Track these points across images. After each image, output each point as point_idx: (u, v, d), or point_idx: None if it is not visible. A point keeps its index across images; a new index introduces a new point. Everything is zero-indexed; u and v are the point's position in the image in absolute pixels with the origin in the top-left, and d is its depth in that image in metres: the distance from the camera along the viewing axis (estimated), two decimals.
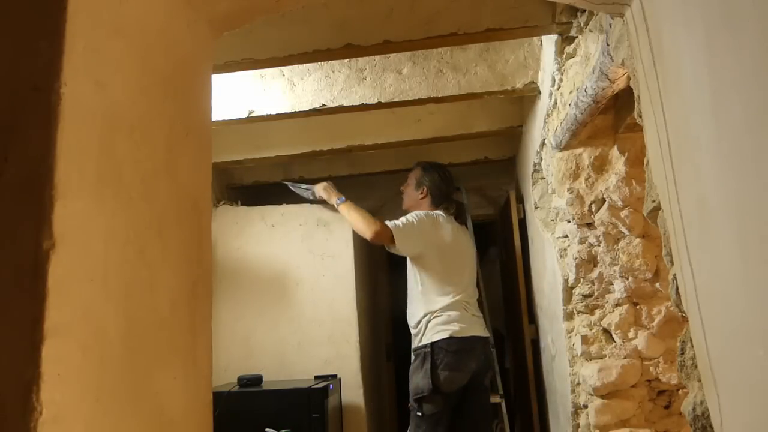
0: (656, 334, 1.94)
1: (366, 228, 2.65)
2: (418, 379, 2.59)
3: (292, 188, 3.13)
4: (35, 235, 0.65)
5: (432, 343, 2.60)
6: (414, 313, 2.77)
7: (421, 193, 2.90)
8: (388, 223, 2.64)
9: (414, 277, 2.79)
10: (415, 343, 2.73)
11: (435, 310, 2.66)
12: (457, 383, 2.56)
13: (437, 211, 2.85)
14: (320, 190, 2.94)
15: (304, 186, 3.08)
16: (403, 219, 2.71)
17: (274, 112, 2.47)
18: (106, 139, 0.77)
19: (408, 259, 2.82)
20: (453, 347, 2.58)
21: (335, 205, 2.85)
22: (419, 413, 2.56)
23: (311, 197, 3.04)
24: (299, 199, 3.35)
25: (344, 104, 2.42)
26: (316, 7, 1.88)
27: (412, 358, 2.71)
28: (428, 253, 2.74)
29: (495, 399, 3.09)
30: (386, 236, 2.62)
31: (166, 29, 0.97)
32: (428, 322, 2.67)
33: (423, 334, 2.68)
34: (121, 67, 0.82)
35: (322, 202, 2.99)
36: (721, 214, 0.79)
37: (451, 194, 3.00)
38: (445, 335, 2.59)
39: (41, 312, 0.63)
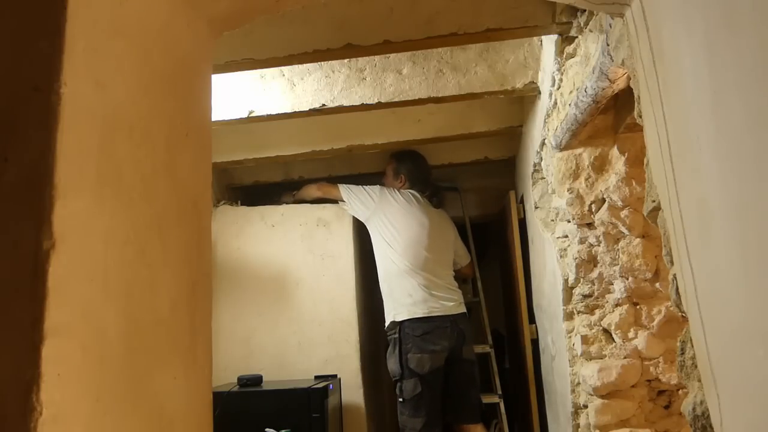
0: (656, 334, 1.94)
1: (313, 188, 3.12)
2: (392, 364, 2.68)
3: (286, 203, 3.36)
4: (35, 235, 0.65)
5: (399, 326, 2.68)
6: (382, 292, 2.87)
7: (400, 181, 3.06)
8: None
9: (375, 251, 2.92)
10: (385, 324, 2.82)
11: (397, 290, 2.75)
12: (432, 364, 2.61)
13: (406, 190, 2.99)
14: (283, 199, 3.30)
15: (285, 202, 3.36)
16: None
17: (274, 112, 2.47)
18: (106, 139, 0.77)
19: (371, 235, 2.97)
20: (418, 331, 2.65)
21: (292, 198, 3.23)
22: (401, 399, 2.63)
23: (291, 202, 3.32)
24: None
25: (344, 104, 2.41)
26: (316, 7, 1.88)
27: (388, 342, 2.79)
28: (378, 221, 2.88)
29: (494, 399, 3.09)
30: (330, 188, 3.05)
31: (166, 29, 0.97)
32: (390, 301, 2.76)
33: (387, 315, 2.77)
34: (122, 67, 0.82)
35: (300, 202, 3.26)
36: (721, 214, 0.79)
37: (428, 178, 3.15)
38: (406, 316, 2.67)
39: (41, 312, 0.63)
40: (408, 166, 3.08)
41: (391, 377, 2.71)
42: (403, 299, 2.73)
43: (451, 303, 2.78)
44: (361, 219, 3.04)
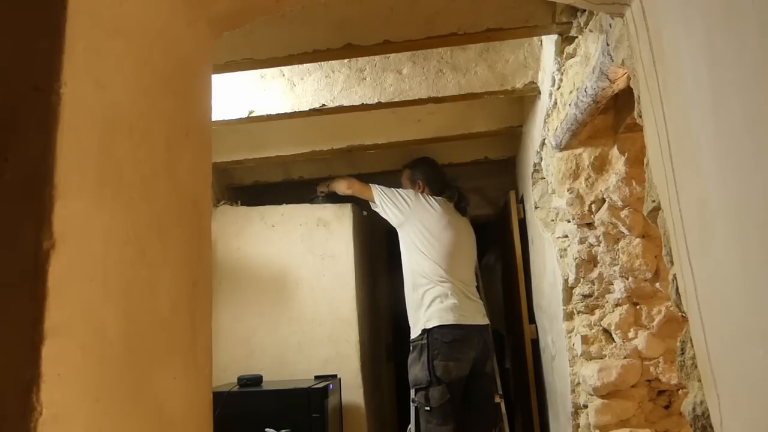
0: (656, 334, 1.94)
1: (343, 182, 3.03)
2: (417, 371, 2.59)
3: (312, 203, 3.30)
4: (35, 235, 0.65)
5: (427, 333, 2.61)
6: (408, 299, 2.80)
7: (418, 187, 2.99)
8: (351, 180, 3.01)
9: (405, 258, 2.84)
10: (412, 333, 2.74)
11: (428, 296, 2.68)
12: (457, 373, 2.56)
13: (438, 197, 2.92)
14: (319, 188, 3.23)
15: (315, 196, 3.30)
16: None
17: (274, 112, 2.47)
18: (106, 139, 0.77)
19: (400, 239, 2.89)
20: (448, 337, 2.58)
21: (327, 189, 3.16)
22: (427, 408, 2.54)
23: (322, 200, 3.26)
24: (299, 199, 3.36)
25: (344, 104, 2.42)
26: (316, 7, 1.88)
27: (411, 348, 2.71)
28: (412, 228, 2.80)
29: (495, 399, 3.08)
30: (362, 187, 2.95)
31: (166, 29, 0.97)
32: (421, 308, 2.68)
33: (416, 322, 2.70)
34: (121, 67, 0.82)
35: (333, 197, 3.20)
36: (721, 214, 0.79)
37: (445, 179, 3.08)
38: (437, 323, 2.61)
39: (41, 312, 0.63)
40: (422, 171, 3.02)
41: (415, 385, 2.61)
42: (435, 306, 2.66)
43: (478, 313, 2.74)
44: (392, 223, 2.92)
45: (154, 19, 0.93)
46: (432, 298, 2.68)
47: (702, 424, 0.95)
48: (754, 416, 0.76)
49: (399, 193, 2.90)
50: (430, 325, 2.62)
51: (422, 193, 2.95)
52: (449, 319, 2.61)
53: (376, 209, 2.95)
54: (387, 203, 2.87)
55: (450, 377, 2.54)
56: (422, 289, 2.72)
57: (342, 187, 3.05)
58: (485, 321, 2.75)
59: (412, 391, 2.65)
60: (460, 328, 2.61)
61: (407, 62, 2.39)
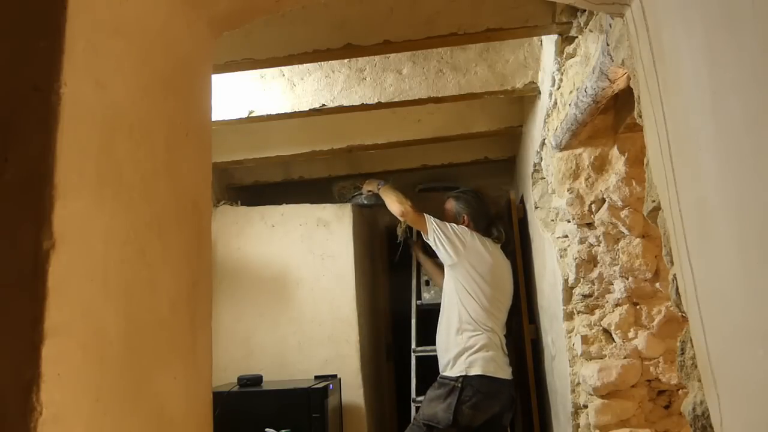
0: (656, 334, 1.94)
1: (398, 206, 2.86)
2: (438, 409, 2.53)
3: (351, 201, 3.25)
4: (35, 235, 0.65)
5: (465, 378, 2.55)
6: (447, 338, 2.70)
7: (463, 221, 2.88)
8: (407, 205, 2.84)
9: (451, 297, 2.73)
10: (444, 370, 2.66)
11: (472, 342, 2.60)
12: (477, 422, 2.53)
13: (486, 238, 2.82)
14: (366, 186, 3.16)
15: (358, 194, 3.24)
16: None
17: (274, 112, 2.47)
18: (106, 139, 0.77)
19: (446, 275, 2.79)
20: (484, 387, 2.55)
21: (377, 191, 3.05)
22: None
23: (365, 201, 3.19)
24: (299, 199, 3.35)
25: (344, 104, 2.41)
26: (316, 7, 1.88)
27: (436, 384, 2.64)
28: (463, 269, 2.70)
29: None
30: (417, 217, 2.80)
31: (166, 29, 0.97)
32: (464, 352, 2.60)
33: (454, 363, 2.61)
34: (121, 67, 0.82)
35: (376, 199, 3.13)
36: (721, 214, 0.79)
37: (493, 218, 2.98)
38: (480, 372, 2.55)
39: (41, 312, 0.63)
40: (469, 204, 2.91)
41: (428, 421, 2.55)
42: (480, 354, 2.60)
43: (509, 368, 2.70)
44: (442, 260, 2.82)
45: (154, 19, 0.93)
46: (479, 345, 2.61)
47: (702, 424, 0.95)
48: (754, 416, 0.76)
49: (454, 232, 2.76)
50: (472, 372, 2.56)
51: (466, 225, 2.84)
52: (489, 371, 2.57)
53: (427, 241, 2.84)
54: (442, 240, 2.74)
55: (469, 424, 2.52)
56: (468, 334, 2.64)
57: (394, 208, 2.91)
58: (512, 376, 2.72)
59: (420, 419, 2.61)
60: (496, 382, 2.58)
61: (407, 62, 2.39)
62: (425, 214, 2.81)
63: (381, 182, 3.07)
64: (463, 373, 2.57)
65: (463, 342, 2.64)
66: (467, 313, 2.67)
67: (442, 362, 2.71)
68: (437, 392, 2.60)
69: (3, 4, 0.71)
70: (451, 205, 2.95)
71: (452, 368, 2.62)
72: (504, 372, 2.63)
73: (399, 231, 3.27)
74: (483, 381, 2.55)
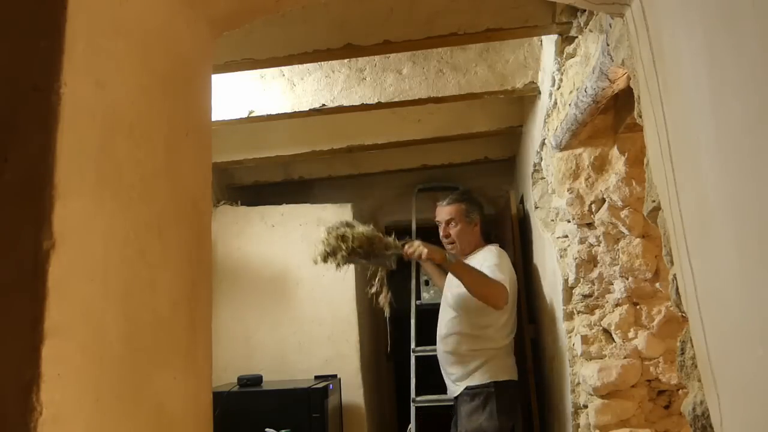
0: (656, 334, 1.94)
1: (495, 289, 2.34)
2: (483, 420, 2.44)
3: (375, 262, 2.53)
4: (35, 235, 0.65)
5: (495, 383, 2.49)
6: (467, 344, 2.57)
7: (474, 224, 2.74)
8: (498, 280, 2.36)
9: (472, 303, 2.50)
10: (470, 380, 2.53)
11: (501, 347, 2.57)
12: (507, 428, 2.51)
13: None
14: (410, 248, 2.36)
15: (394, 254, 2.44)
16: (494, 267, 2.43)
17: (274, 112, 2.47)
18: (106, 139, 0.77)
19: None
20: (511, 390, 2.54)
21: (446, 265, 2.39)
22: None
23: (393, 264, 2.49)
24: (299, 199, 3.36)
25: (344, 104, 2.42)
26: (316, 7, 1.88)
27: (466, 397, 2.51)
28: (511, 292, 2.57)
29: None
30: (501, 292, 2.35)
31: (166, 29, 0.97)
32: (492, 357, 2.54)
33: (482, 369, 2.53)
34: (121, 67, 0.82)
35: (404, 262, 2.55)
36: (721, 214, 0.79)
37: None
38: (507, 377, 2.54)
39: (41, 312, 0.63)
40: (480, 210, 2.78)
41: None
42: (506, 360, 2.58)
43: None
44: None
45: (154, 19, 0.93)
46: (503, 351, 2.58)
47: (702, 424, 0.95)
48: (754, 416, 0.76)
49: (509, 269, 2.57)
50: (502, 378, 2.52)
51: (476, 227, 2.75)
52: (514, 375, 2.59)
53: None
54: (512, 297, 2.54)
55: (508, 428, 2.50)
56: (491, 342, 2.57)
57: (487, 293, 2.36)
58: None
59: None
60: (517, 384, 2.60)
61: (407, 62, 2.39)
62: (499, 282, 2.38)
63: (452, 255, 2.41)
64: (494, 379, 2.50)
65: (490, 343, 2.56)
66: (500, 318, 2.57)
67: (457, 371, 2.57)
68: (472, 405, 2.49)
69: (3, 4, 0.71)
70: (460, 208, 2.71)
71: (480, 372, 2.52)
72: (516, 374, 2.64)
73: (374, 288, 2.63)
74: (510, 384, 2.55)
